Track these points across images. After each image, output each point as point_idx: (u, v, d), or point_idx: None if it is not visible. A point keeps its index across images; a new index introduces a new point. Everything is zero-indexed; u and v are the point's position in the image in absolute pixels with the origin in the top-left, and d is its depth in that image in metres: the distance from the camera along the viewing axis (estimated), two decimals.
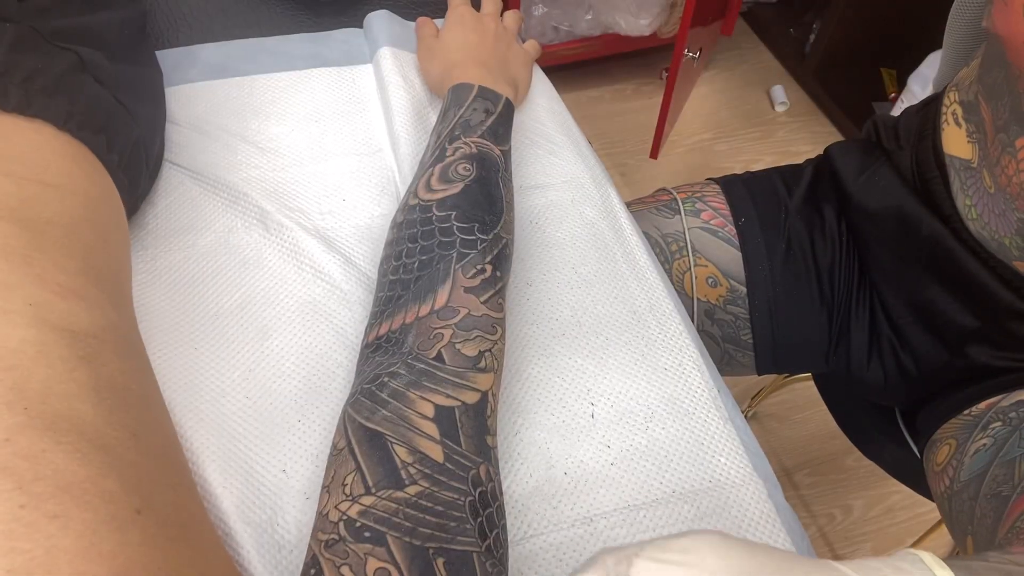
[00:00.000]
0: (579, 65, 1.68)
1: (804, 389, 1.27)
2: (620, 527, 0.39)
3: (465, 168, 0.44)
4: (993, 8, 0.44)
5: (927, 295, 0.55)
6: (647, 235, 0.63)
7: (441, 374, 0.36)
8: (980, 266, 0.51)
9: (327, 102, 0.60)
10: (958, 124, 0.51)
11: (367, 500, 0.31)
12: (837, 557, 0.84)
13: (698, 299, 0.63)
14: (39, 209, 0.33)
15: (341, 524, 0.31)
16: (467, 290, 0.39)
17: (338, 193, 0.53)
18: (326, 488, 0.33)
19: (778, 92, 1.78)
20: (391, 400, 0.34)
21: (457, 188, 0.43)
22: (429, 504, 0.31)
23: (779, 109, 1.77)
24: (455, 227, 0.41)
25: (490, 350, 0.38)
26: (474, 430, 0.35)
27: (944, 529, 0.91)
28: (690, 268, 0.63)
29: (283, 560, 0.36)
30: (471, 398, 0.36)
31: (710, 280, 0.63)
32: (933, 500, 0.56)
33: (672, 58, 1.34)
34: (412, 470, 0.32)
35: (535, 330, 0.47)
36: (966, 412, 0.53)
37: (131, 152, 0.44)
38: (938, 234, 0.53)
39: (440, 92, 0.55)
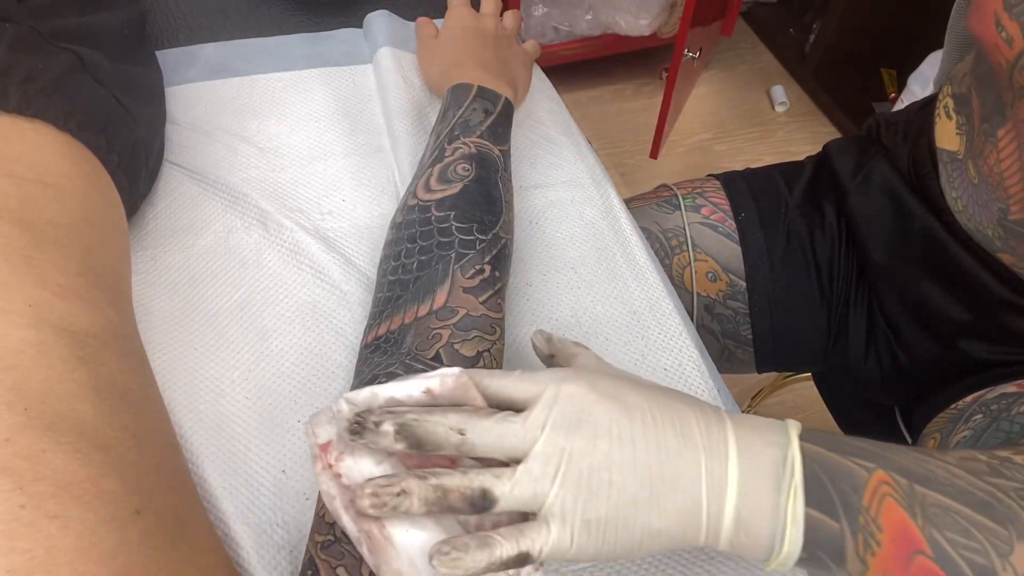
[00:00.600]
0: (579, 65, 1.68)
1: (804, 389, 1.26)
2: None
3: (464, 168, 0.44)
4: (971, 10, 0.45)
5: (921, 289, 0.55)
6: (647, 230, 0.63)
7: None
8: (971, 258, 0.51)
9: (327, 102, 0.60)
10: (949, 116, 0.51)
11: None
12: None
13: (698, 294, 0.63)
14: (39, 209, 0.33)
15: (337, 526, 0.31)
16: (466, 290, 0.39)
17: (338, 193, 0.53)
18: None
19: (778, 92, 1.78)
20: None
21: (456, 188, 0.43)
22: None
23: (779, 109, 1.77)
24: (454, 227, 0.41)
25: (488, 350, 0.38)
26: None
27: None
28: (690, 263, 0.63)
29: (282, 560, 0.36)
30: None
31: (710, 275, 0.63)
32: None
33: (672, 58, 1.34)
34: None
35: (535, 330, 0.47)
36: (953, 406, 0.53)
37: (131, 152, 0.44)
38: (931, 228, 0.53)
39: (440, 92, 0.55)
